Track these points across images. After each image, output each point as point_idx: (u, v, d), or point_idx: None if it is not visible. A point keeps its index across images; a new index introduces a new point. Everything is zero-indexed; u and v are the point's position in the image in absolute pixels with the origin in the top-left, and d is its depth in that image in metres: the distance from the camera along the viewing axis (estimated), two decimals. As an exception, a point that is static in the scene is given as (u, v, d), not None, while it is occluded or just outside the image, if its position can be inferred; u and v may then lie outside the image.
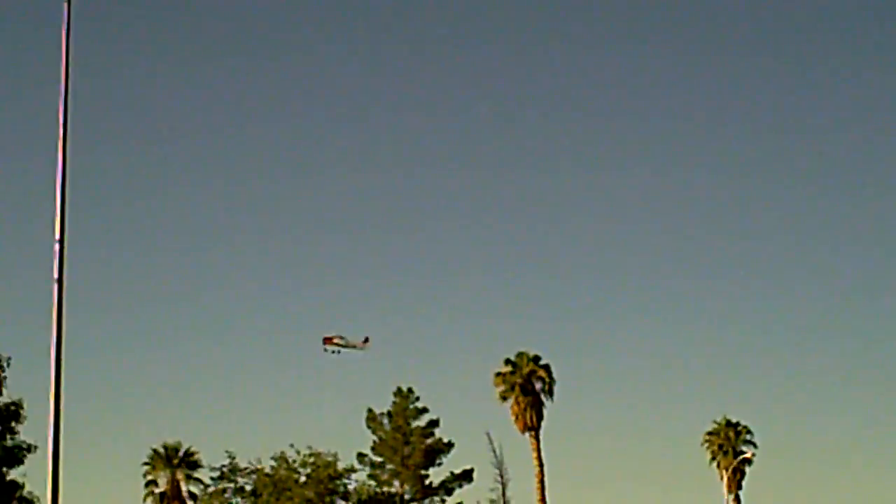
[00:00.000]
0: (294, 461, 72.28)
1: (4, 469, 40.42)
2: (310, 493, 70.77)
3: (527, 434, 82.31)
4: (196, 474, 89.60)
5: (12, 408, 40.53)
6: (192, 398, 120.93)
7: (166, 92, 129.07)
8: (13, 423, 40.63)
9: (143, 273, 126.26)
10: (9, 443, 40.68)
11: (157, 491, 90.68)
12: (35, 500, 40.47)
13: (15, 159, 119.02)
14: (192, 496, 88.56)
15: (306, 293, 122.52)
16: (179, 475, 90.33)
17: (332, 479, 71.95)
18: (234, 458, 73.62)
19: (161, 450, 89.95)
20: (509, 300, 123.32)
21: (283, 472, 72.50)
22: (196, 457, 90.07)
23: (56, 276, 25.31)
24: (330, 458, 72.36)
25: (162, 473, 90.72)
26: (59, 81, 25.47)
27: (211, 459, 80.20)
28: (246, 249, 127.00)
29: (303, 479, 71.79)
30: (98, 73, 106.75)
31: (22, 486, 40.57)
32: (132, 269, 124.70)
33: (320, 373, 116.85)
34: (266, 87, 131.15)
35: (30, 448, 40.78)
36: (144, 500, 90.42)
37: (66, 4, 25.58)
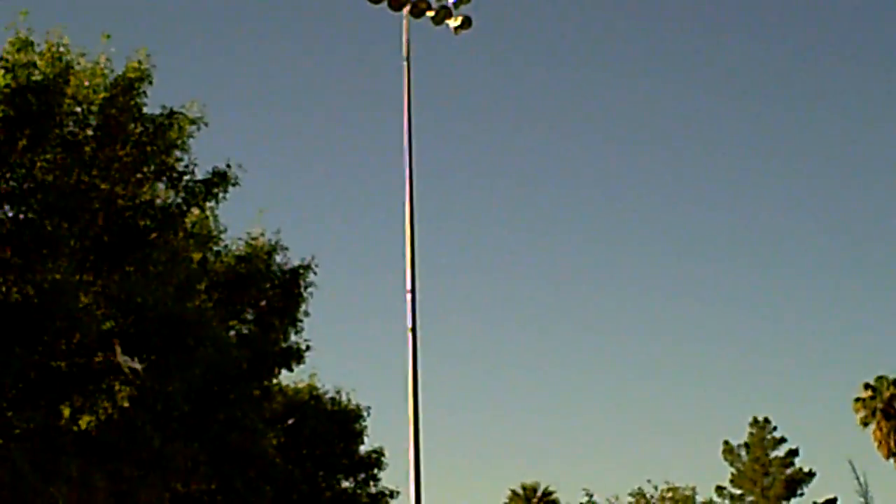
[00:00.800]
0: (652, 497, 71.88)
1: (370, 513, 41.88)
2: (670, 528, 70.26)
3: (891, 460, 79.01)
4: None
5: (374, 455, 41.99)
6: (549, 437, 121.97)
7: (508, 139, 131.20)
8: (375, 471, 42.10)
9: (491, 320, 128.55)
10: (372, 489, 42.15)
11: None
12: (400, 543, 41.68)
13: (367, 211, 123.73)
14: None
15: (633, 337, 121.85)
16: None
17: (691, 513, 71.26)
18: (591, 497, 73.74)
19: (520, 490, 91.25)
20: (865, 323, 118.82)
21: (641, 508, 72.23)
22: (554, 496, 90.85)
23: (410, 325, 26.12)
24: (688, 493, 71.65)
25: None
26: (402, 134, 26.37)
27: (569, 498, 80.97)
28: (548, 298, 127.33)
29: (662, 514, 71.36)
30: (441, 122, 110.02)
31: (387, 531, 41.89)
32: (480, 318, 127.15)
33: (675, 405, 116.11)
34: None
35: (392, 494, 42.12)
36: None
37: (405, 64, 26.42)
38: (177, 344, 22.35)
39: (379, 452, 42.13)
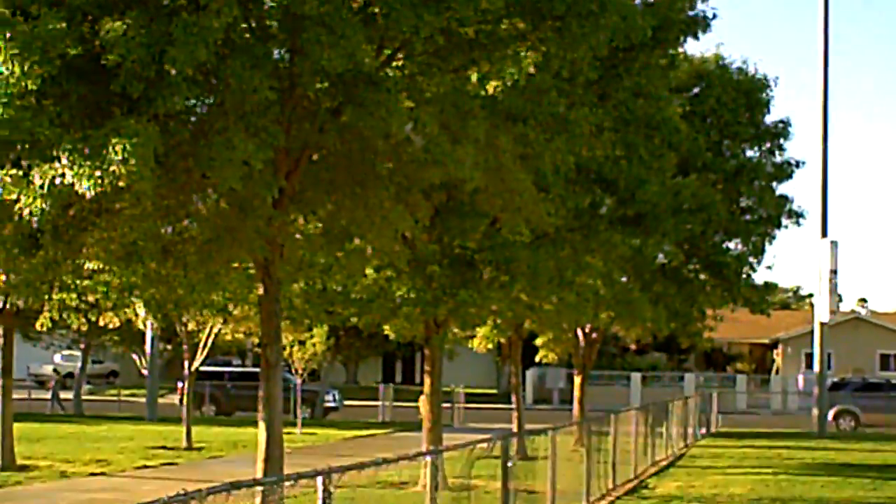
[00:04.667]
0: None
1: (774, 183, 41.84)
2: None
3: None
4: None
5: (780, 125, 41.57)
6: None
7: None
8: (781, 141, 41.76)
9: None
10: (777, 159, 41.96)
11: None
12: (804, 213, 41.80)
13: None
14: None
15: None
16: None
17: None
18: None
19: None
20: None
21: None
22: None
23: None
24: None
25: None
26: None
27: None
28: None
29: None
30: None
31: (791, 200, 41.86)
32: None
33: None
34: None
35: (798, 164, 41.99)
36: None
37: None
38: (581, 10, 22.28)
39: (785, 122, 41.73)
